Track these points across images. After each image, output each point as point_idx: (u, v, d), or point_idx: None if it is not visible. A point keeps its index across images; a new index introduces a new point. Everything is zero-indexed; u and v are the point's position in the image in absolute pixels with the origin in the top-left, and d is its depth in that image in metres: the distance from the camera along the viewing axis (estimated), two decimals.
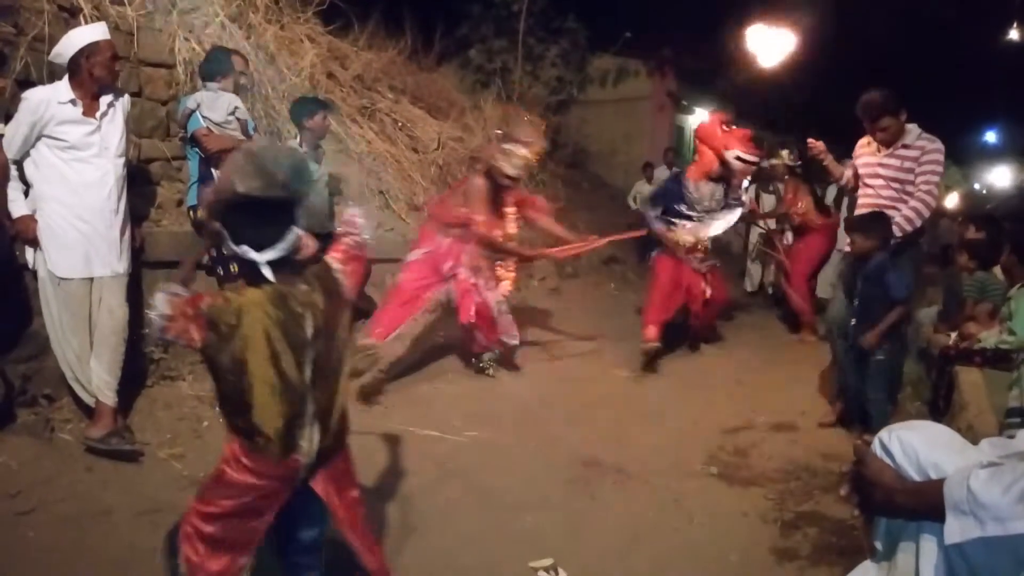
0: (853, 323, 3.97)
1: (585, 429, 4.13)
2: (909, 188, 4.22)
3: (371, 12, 7.41)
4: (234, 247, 1.81)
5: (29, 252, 3.42)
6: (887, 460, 1.62)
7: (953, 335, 4.57)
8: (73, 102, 3.35)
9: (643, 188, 10.14)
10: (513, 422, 4.18)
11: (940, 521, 1.40)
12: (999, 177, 25.72)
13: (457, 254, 4.61)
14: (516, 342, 4.93)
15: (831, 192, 8.40)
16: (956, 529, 1.36)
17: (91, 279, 3.41)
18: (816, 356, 5.85)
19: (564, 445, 3.87)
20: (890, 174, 4.29)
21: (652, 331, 5.33)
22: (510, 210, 4.84)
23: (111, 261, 3.46)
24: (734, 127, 5.53)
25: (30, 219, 3.35)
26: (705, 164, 5.48)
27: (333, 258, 1.99)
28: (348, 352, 2.03)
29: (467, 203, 4.67)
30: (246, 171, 1.75)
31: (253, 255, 1.80)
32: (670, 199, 5.60)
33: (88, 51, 3.34)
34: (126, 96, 3.65)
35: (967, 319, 4.59)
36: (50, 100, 3.31)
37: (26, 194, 3.40)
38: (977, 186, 26.83)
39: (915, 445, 1.59)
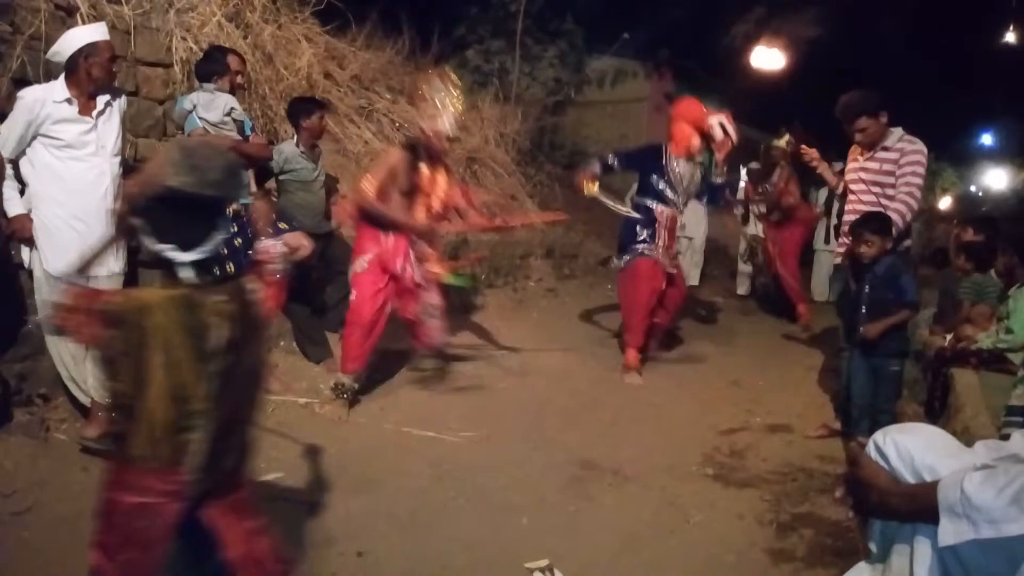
0: (862, 331, 3.81)
1: (581, 430, 4.13)
2: (889, 192, 4.13)
3: (368, 12, 7.39)
4: (153, 244, 1.71)
5: (25, 251, 3.42)
6: (882, 463, 1.63)
7: (949, 337, 4.59)
8: (69, 101, 3.34)
9: None
10: (509, 423, 4.18)
11: (934, 523, 1.41)
12: (995, 180, 25.77)
13: (404, 250, 4.16)
14: (443, 343, 4.62)
15: (822, 195, 8.48)
16: (950, 531, 1.37)
17: (87, 278, 3.40)
18: (811, 358, 5.88)
19: (560, 446, 3.87)
20: (869, 178, 4.22)
21: (633, 356, 5.15)
22: (440, 186, 4.29)
23: (107, 261, 3.44)
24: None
25: (26, 218, 3.35)
26: (682, 141, 5.07)
27: (251, 280, 1.89)
28: (263, 378, 1.91)
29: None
30: (179, 166, 1.67)
31: (173, 254, 1.70)
32: (645, 166, 5.18)
33: (87, 51, 3.34)
34: (123, 95, 3.65)
35: (963, 321, 4.61)
36: (46, 99, 3.31)
37: (22, 193, 3.40)
38: (973, 188, 26.88)
39: (910, 448, 1.60)
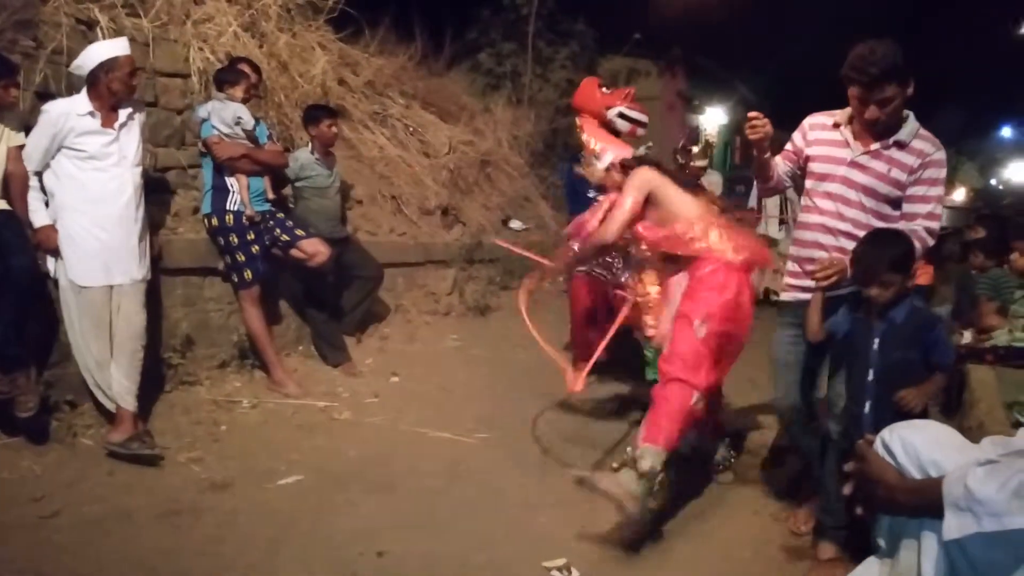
0: (866, 408, 2.52)
1: (596, 429, 4.15)
2: (887, 210, 2.74)
3: (381, 18, 7.46)
4: None
5: (51, 261, 3.51)
6: (889, 459, 1.65)
7: (967, 333, 4.58)
8: (92, 114, 3.44)
9: None
10: (524, 423, 4.21)
11: (940, 518, 1.43)
12: (1016, 172, 25.49)
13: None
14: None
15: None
16: (954, 525, 1.40)
17: (111, 287, 3.49)
18: None
19: (576, 445, 3.90)
20: (867, 182, 2.73)
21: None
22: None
23: (130, 269, 3.54)
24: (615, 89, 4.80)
25: (51, 229, 3.44)
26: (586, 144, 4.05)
27: None
28: None
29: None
30: None
31: None
32: (578, 201, 4.61)
33: (108, 66, 3.43)
34: (143, 107, 3.74)
35: (980, 317, 4.60)
36: (69, 112, 3.41)
37: (46, 204, 3.49)
38: (993, 182, 26.58)
39: (916, 444, 1.63)
